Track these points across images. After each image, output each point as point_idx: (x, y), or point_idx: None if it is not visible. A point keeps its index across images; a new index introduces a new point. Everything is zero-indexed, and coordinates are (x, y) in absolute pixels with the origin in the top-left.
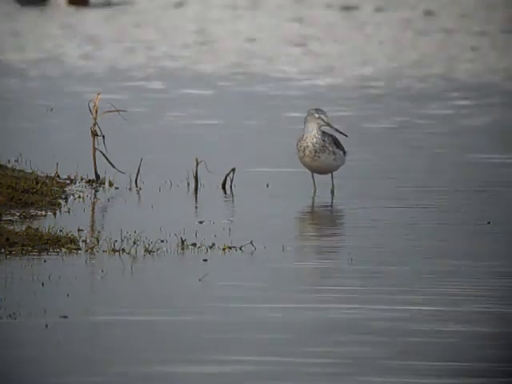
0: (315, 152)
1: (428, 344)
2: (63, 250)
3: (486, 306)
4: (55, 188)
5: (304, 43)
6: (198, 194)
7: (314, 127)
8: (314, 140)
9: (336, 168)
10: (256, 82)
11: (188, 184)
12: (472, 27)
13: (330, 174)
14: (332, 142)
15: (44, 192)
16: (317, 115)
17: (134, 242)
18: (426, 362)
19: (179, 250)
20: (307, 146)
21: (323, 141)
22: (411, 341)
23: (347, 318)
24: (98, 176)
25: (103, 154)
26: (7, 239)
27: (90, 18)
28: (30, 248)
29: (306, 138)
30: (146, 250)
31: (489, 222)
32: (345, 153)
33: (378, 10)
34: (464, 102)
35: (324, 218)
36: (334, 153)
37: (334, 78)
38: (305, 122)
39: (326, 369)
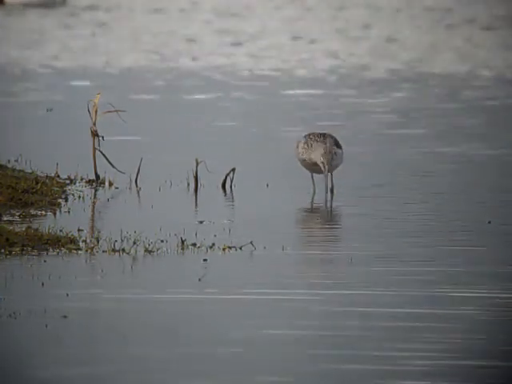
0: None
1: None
2: (63, 250)
3: (486, 293)
4: (55, 188)
5: None
6: (197, 194)
7: (318, 155)
8: (326, 160)
9: (334, 168)
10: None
11: (188, 184)
12: None
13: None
14: (333, 143)
15: (44, 192)
16: (324, 154)
17: (134, 242)
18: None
19: (179, 250)
20: (315, 161)
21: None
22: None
23: (347, 314)
24: (97, 176)
25: (103, 154)
26: (7, 239)
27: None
28: (29, 248)
29: (315, 157)
30: (146, 250)
31: (489, 222)
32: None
33: None
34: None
35: (324, 217)
36: (336, 153)
37: None
38: (308, 144)
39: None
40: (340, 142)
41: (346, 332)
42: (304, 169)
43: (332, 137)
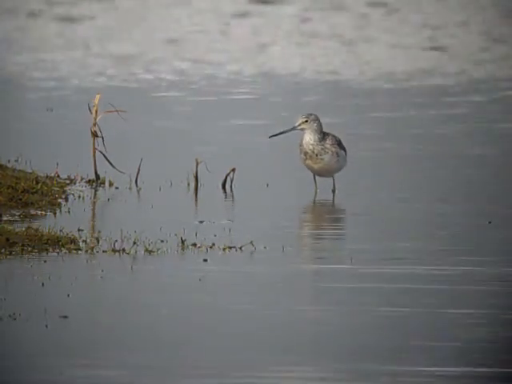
0: (316, 155)
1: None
2: (63, 250)
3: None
4: (55, 188)
5: None
6: (198, 194)
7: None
8: (311, 147)
9: (336, 170)
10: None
11: (188, 184)
12: None
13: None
14: (335, 142)
15: (44, 192)
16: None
17: (134, 242)
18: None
19: (179, 250)
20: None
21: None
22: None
23: (348, 317)
24: (98, 176)
25: (103, 154)
26: (7, 239)
27: None
28: (29, 248)
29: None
30: (146, 250)
31: (490, 222)
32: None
33: None
34: None
35: (324, 217)
36: (338, 154)
37: None
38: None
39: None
40: (343, 144)
41: (345, 327)
42: (305, 168)
43: (334, 136)
